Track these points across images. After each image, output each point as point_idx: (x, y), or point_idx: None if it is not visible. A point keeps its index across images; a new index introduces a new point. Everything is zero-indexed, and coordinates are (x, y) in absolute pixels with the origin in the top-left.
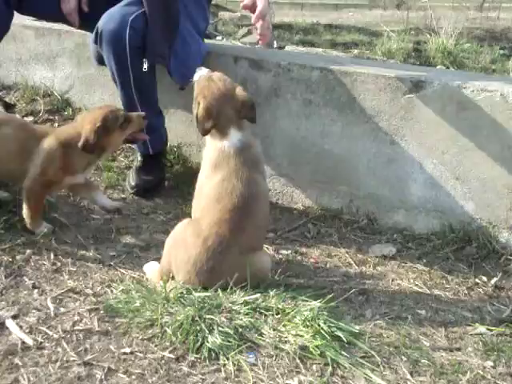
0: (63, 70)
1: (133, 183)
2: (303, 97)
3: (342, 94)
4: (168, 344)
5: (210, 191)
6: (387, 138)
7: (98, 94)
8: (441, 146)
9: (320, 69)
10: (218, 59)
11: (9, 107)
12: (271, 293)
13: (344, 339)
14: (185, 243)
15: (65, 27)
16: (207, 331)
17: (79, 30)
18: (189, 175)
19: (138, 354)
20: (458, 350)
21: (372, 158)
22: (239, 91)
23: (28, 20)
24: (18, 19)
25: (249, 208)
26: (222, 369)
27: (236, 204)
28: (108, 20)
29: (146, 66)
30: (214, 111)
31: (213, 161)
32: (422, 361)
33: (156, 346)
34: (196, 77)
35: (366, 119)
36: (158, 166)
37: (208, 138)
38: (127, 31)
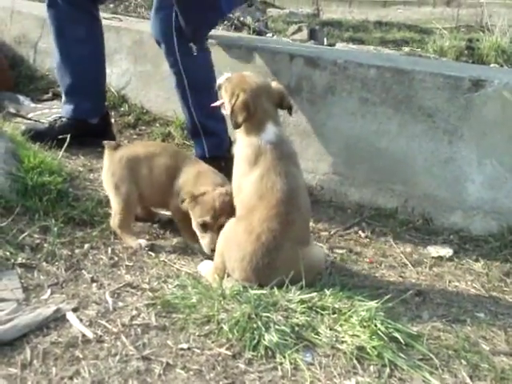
0: (120, 66)
1: None
2: (359, 95)
3: (399, 93)
4: (225, 341)
5: (250, 189)
6: (445, 137)
7: (153, 91)
8: (500, 147)
9: (377, 67)
10: (273, 57)
11: None
12: (327, 292)
13: (401, 341)
14: (237, 241)
15: (122, 24)
16: (264, 329)
17: (137, 28)
18: None
19: (196, 349)
20: None
21: (429, 157)
22: (275, 84)
23: None
24: None
25: (293, 201)
26: (279, 367)
27: (280, 199)
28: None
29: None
30: (252, 104)
31: (249, 157)
32: (482, 365)
33: (213, 342)
34: (222, 79)
35: (423, 118)
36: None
37: (241, 134)
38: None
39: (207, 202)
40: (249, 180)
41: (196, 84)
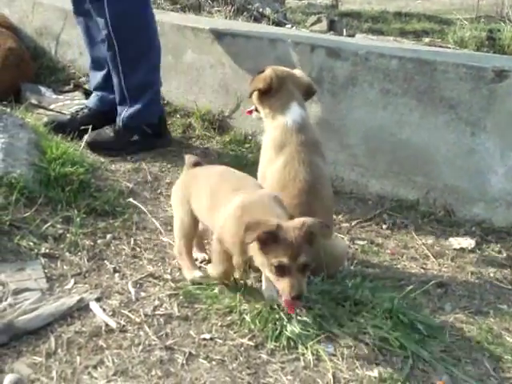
0: None
1: None
2: (381, 86)
3: (421, 84)
4: (247, 331)
5: (273, 177)
6: (467, 128)
7: (174, 82)
8: None
9: (398, 58)
10: (294, 48)
11: (88, 94)
12: (349, 283)
13: (424, 332)
14: None
15: None
16: (286, 320)
17: (157, 19)
18: None
19: (218, 340)
20: None
21: (451, 148)
22: (301, 73)
23: None
24: None
25: (315, 191)
26: (301, 358)
27: (302, 189)
28: None
29: None
30: (277, 81)
31: (276, 141)
32: (506, 357)
33: (235, 332)
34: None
35: (446, 109)
36: None
37: (268, 119)
38: None
39: (282, 238)
40: (273, 168)
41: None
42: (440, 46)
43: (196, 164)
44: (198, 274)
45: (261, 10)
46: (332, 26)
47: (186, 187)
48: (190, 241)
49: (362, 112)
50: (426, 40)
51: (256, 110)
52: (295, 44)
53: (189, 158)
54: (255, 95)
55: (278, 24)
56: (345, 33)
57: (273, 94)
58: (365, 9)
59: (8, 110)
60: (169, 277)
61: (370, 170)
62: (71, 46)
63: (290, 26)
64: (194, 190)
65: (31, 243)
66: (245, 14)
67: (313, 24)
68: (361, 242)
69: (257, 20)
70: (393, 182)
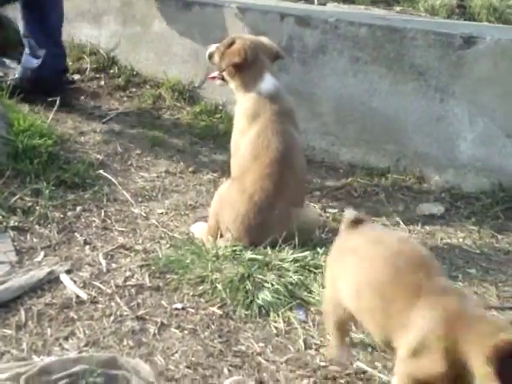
0: (109, 28)
1: None
2: (350, 54)
3: (391, 51)
4: (218, 300)
5: (246, 147)
6: (436, 95)
7: (143, 53)
8: (492, 104)
9: (368, 25)
10: (263, 16)
11: None
12: (320, 251)
13: None
14: (231, 202)
15: None
16: (257, 288)
17: None
18: None
19: (190, 309)
20: (511, 309)
21: (420, 116)
22: (267, 39)
23: None
24: None
25: (288, 161)
26: (272, 325)
27: (274, 158)
28: None
29: None
30: (250, 52)
31: (249, 111)
32: None
33: (207, 301)
34: (211, 48)
35: (415, 76)
36: None
37: (240, 91)
38: None
39: None
40: (247, 138)
41: None
42: (411, 14)
43: (357, 223)
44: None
45: None
46: None
47: (336, 261)
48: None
49: (333, 80)
50: (397, 9)
51: (222, 78)
52: (264, 12)
53: (347, 214)
54: (225, 67)
55: None
56: (316, 1)
57: (246, 66)
58: None
59: None
60: (140, 248)
61: (341, 139)
62: None
63: None
64: (345, 270)
65: (0, 216)
66: None
67: None
68: (332, 210)
69: None
70: (363, 150)
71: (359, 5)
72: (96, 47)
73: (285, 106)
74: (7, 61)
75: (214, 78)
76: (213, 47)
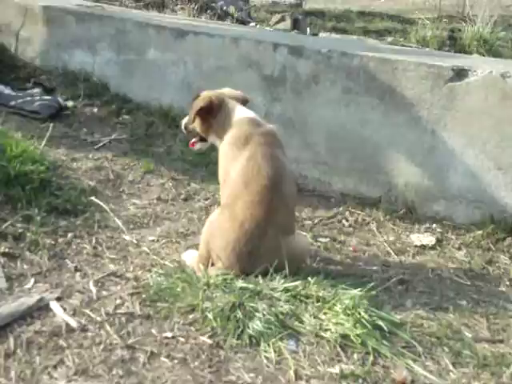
0: (103, 55)
1: None
2: (343, 84)
3: (383, 82)
4: (209, 329)
5: (238, 174)
6: (428, 126)
7: (136, 80)
8: (483, 136)
9: (360, 56)
10: (257, 46)
11: (48, 91)
12: (311, 280)
13: (385, 328)
14: (221, 229)
15: (105, 13)
16: (248, 317)
17: (120, 16)
18: None
19: (180, 338)
20: (501, 341)
21: (412, 146)
22: (229, 89)
23: (70, 5)
24: (60, 4)
25: (277, 187)
26: (263, 355)
27: (264, 184)
28: None
29: None
30: (215, 98)
31: (236, 137)
32: (465, 352)
33: (197, 330)
34: (184, 120)
35: (407, 107)
36: None
37: (220, 135)
38: None
39: None
40: (237, 164)
41: None
42: (402, 45)
43: None
44: None
45: (225, 8)
46: (296, 25)
47: None
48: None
49: (325, 110)
50: (389, 39)
51: (201, 138)
52: (258, 42)
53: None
54: (198, 123)
55: (242, 22)
56: (308, 31)
57: (215, 112)
58: (329, 8)
59: None
60: (131, 275)
61: (333, 168)
62: (31, 43)
63: (253, 24)
64: None
65: None
66: (208, 12)
67: (277, 22)
68: (323, 240)
69: (221, 18)
70: (355, 179)
71: (351, 35)
72: (90, 74)
73: (268, 129)
74: (0, 86)
75: (193, 143)
76: (185, 118)
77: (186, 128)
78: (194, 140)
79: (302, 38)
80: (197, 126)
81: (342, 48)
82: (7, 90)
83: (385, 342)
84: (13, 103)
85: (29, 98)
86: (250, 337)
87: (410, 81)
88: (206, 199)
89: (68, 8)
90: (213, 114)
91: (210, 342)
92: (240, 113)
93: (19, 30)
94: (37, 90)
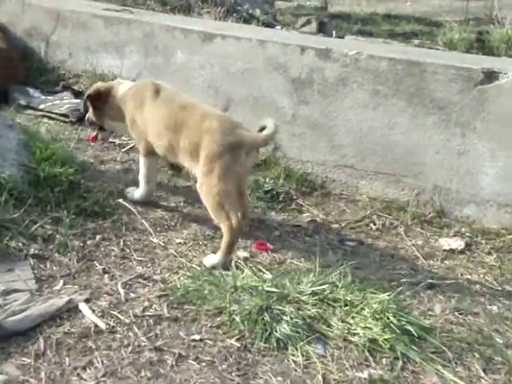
0: (131, 58)
1: None
2: (371, 87)
3: (411, 85)
4: (236, 332)
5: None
6: (457, 129)
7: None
8: None
9: (388, 59)
10: (284, 49)
11: (77, 95)
12: (339, 284)
13: (414, 333)
14: None
15: (133, 16)
16: (275, 321)
17: (148, 20)
18: (255, 166)
19: (208, 341)
20: None
21: (441, 150)
22: None
23: (98, 9)
24: (88, 8)
25: None
26: (291, 359)
27: None
28: None
29: None
30: (100, 84)
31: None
32: (496, 358)
33: (225, 333)
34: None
35: (436, 110)
36: None
37: (115, 116)
38: None
39: None
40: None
41: None
42: (429, 48)
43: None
44: None
45: (250, 11)
46: (321, 28)
47: None
48: None
49: (352, 113)
50: (416, 42)
51: (100, 127)
52: (285, 45)
53: None
54: (92, 113)
55: (268, 25)
56: (334, 34)
57: (103, 98)
58: (354, 10)
59: None
60: (158, 278)
61: (360, 171)
62: (61, 47)
63: (279, 27)
64: None
65: (20, 244)
66: (234, 15)
67: (302, 26)
68: (351, 243)
69: (246, 21)
70: (383, 183)
71: (377, 38)
72: (118, 77)
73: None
74: (31, 90)
75: (93, 137)
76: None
77: (88, 120)
78: (94, 134)
79: (328, 41)
80: (93, 115)
81: (370, 51)
82: (37, 93)
83: (414, 347)
84: (42, 106)
85: (58, 101)
86: (278, 340)
87: (439, 83)
88: None
89: (97, 12)
90: (102, 102)
91: (237, 344)
92: (124, 86)
93: (49, 34)
94: (66, 94)
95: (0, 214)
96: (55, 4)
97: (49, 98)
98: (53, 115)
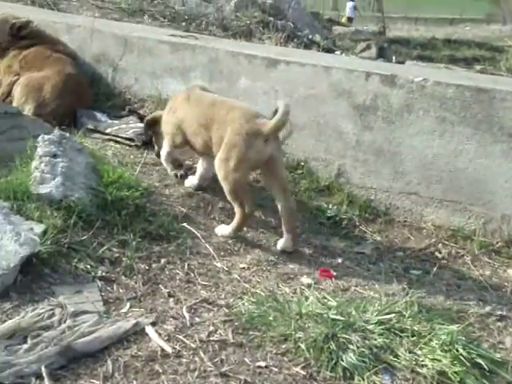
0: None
1: None
2: (437, 114)
3: (479, 112)
4: (302, 360)
5: None
6: None
7: None
8: None
9: (455, 85)
10: (348, 75)
11: (142, 119)
12: (405, 313)
13: (485, 367)
14: None
15: (198, 42)
16: (341, 349)
17: (212, 45)
18: (315, 190)
19: (273, 368)
20: None
21: (510, 178)
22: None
23: (163, 35)
24: (154, 34)
25: None
26: None
27: None
28: None
29: None
30: None
31: None
32: None
33: (290, 361)
34: None
35: (505, 138)
36: None
37: None
38: None
39: None
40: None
41: None
42: (492, 74)
43: None
44: None
45: (310, 36)
46: (381, 53)
47: None
48: None
49: (418, 140)
50: (478, 67)
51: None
52: (349, 71)
53: None
54: (154, 139)
55: (328, 51)
56: (394, 59)
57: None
58: (413, 35)
59: (67, 134)
60: (223, 302)
61: (425, 199)
62: (127, 73)
63: (339, 52)
64: None
65: (88, 266)
66: (295, 40)
67: (362, 51)
68: (416, 272)
69: (307, 46)
70: (448, 211)
71: (438, 63)
72: None
73: None
74: (98, 114)
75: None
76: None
77: (155, 153)
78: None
79: (393, 67)
80: (155, 141)
81: (436, 77)
82: (104, 118)
83: (485, 381)
84: (109, 130)
85: (124, 126)
86: (344, 369)
87: (509, 111)
88: (296, 227)
89: (162, 38)
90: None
91: (303, 373)
92: None
93: (116, 60)
94: (131, 118)
95: (69, 237)
96: (123, 31)
97: (115, 122)
98: (119, 139)
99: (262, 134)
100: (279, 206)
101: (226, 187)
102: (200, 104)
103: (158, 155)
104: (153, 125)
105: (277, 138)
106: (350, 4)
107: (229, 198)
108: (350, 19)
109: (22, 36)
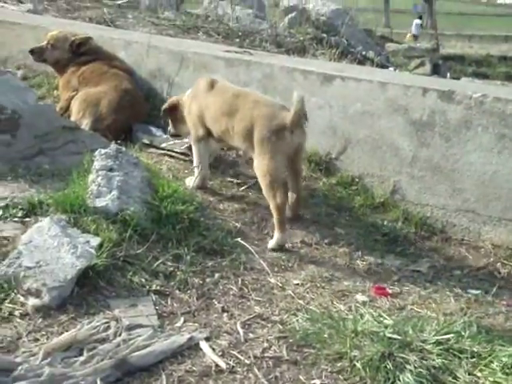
0: None
1: None
2: (496, 130)
3: None
4: (358, 379)
5: None
6: None
7: None
8: None
9: None
10: (405, 91)
11: None
12: (465, 334)
13: None
14: None
15: (253, 58)
16: (398, 369)
17: (267, 61)
18: (370, 206)
19: None
20: None
21: None
22: None
23: (219, 51)
24: (210, 50)
25: None
26: None
27: None
28: None
29: None
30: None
31: None
32: None
33: (345, 379)
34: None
35: None
36: None
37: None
38: None
39: None
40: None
41: None
42: None
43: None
44: None
45: (364, 52)
46: (435, 70)
47: None
48: None
49: (476, 156)
50: None
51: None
52: (406, 87)
53: None
54: (171, 125)
55: (381, 67)
56: (449, 76)
57: (176, 108)
58: (467, 52)
59: (123, 148)
60: (277, 319)
61: (483, 217)
62: (183, 88)
63: (392, 68)
64: None
65: (143, 279)
66: (349, 56)
67: (416, 67)
68: (474, 291)
69: (360, 63)
70: (508, 229)
71: (494, 79)
72: None
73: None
74: (153, 129)
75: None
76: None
77: (169, 132)
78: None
79: (450, 83)
80: (172, 126)
81: (495, 93)
82: (159, 133)
83: None
84: (164, 145)
85: (178, 141)
86: None
87: None
88: (350, 244)
89: (218, 54)
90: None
91: None
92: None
93: (172, 76)
94: None
95: (124, 250)
96: (178, 47)
97: (170, 137)
98: (173, 154)
99: (287, 126)
100: (290, 186)
101: (264, 181)
102: (224, 93)
103: (173, 135)
104: (171, 110)
105: (301, 126)
106: (417, 21)
107: (265, 193)
108: (415, 37)
109: (82, 52)
